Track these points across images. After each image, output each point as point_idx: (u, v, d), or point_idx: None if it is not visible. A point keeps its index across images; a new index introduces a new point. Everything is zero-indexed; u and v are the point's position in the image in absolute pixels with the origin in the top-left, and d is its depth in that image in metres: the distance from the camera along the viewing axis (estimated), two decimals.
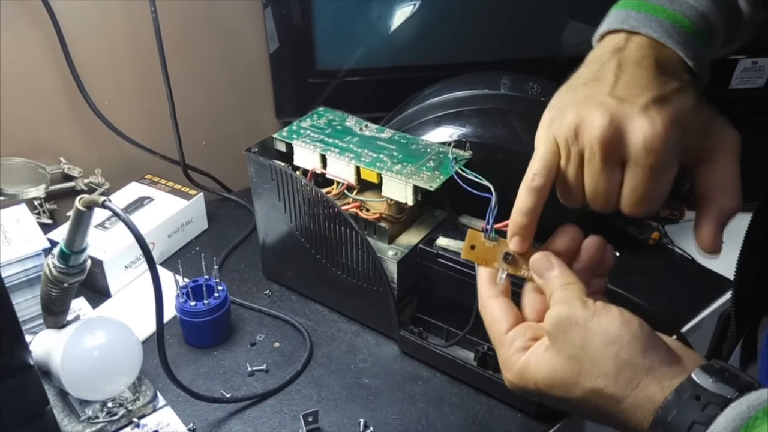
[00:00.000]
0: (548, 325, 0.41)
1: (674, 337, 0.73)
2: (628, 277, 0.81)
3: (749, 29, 0.50)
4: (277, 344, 0.73)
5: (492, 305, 0.46)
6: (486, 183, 0.54)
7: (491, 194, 0.50)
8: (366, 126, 0.76)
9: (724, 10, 0.46)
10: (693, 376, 0.37)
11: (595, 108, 0.41)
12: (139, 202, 0.87)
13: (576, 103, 0.42)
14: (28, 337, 0.63)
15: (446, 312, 0.68)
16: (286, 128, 0.75)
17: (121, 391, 0.64)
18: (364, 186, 0.72)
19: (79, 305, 0.77)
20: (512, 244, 0.46)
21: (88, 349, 0.60)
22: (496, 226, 0.48)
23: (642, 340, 0.39)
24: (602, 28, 0.47)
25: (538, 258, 0.45)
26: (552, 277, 0.44)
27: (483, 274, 0.47)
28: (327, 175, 0.72)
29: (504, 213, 0.49)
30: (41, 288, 0.60)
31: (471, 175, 0.58)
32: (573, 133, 0.42)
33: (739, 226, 0.95)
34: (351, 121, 0.77)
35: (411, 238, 0.70)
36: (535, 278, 0.45)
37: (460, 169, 0.63)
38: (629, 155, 0.41)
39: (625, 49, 0.44)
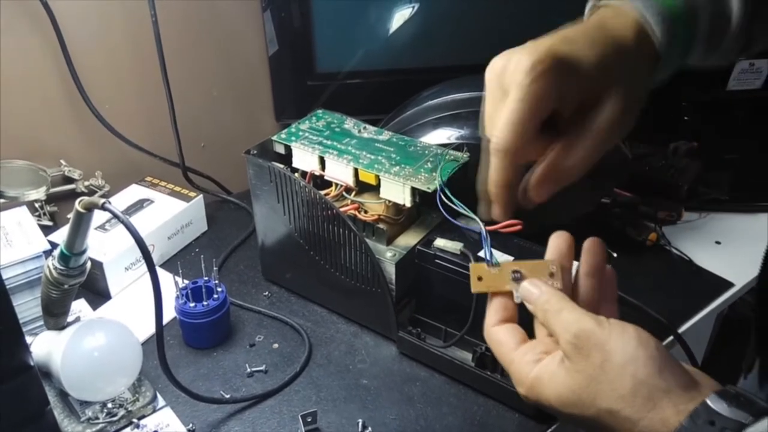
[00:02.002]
0: (567, 348, 0.40)
1: (671, 338, 0.74)
2: (626, 279, 0.81)
3: (737, 42, 0.49)
4: (276, 345, 0.74)
5: (496, 331, 0.45)
6: (473, 215, 0.54)
7: (479, 227, 0.50)
8: (364, 128, 0.77)
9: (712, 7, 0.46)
10: (708, 401, 0.37)
11: (509, 51, 0.43)
12: (139, 204, 0.88)
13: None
14: (28, 339, 0.63)
15: (444, 313, 0.69)
16: (285, 130, 0.76)
17: (121, 392, 0.64)
18: (362, 188, 0.72)
19: (79, 307, 0.77)
20: (494, 213, 0.45)
21: (88, 351, 0.61)
22: (497, 227, 0.48)
23: (658, 360, 0.38)
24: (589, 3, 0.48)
25: (524, 286, 0.45)
26: (537, 298, 0.44)
27: (491, 302, 0.47)
28: (325, 177, 0.73)
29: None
30: (42, 290, 0.60)
31: (460, 207, 0.58)
32: (487, 71, 0.44)
33: (732, 226, 0.96)
34: (349, 123, 0.77)
35: (409, 239, 0.71)
36: (527, 305, 0.45)
37: (446, 196, 0.62)
38: (507, 81, 0.42)
39: (591, 17, 0.45)
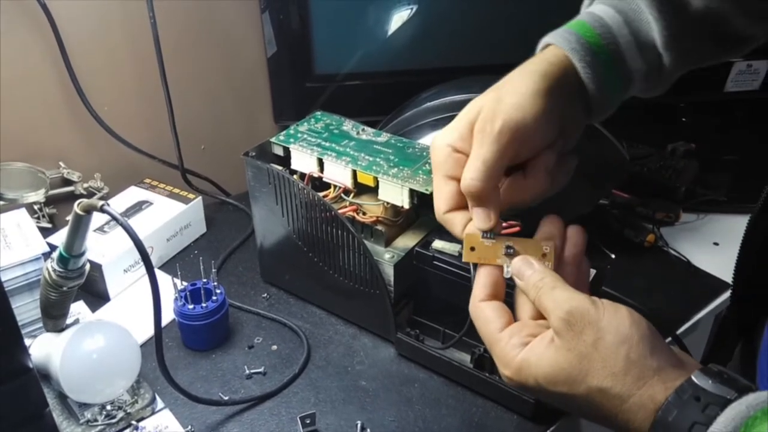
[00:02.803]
0: (559, 324, 0.41)
1: (669, 339, 0.74)
2: (624, 280, 0.82)
3: (677, 63, 0.51)
4: (274, 347, 0.74)
5: (482, 307, 0.46)
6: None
7: None
8: (363, 130, 0.77)
9: (632, 26, 0.50)
10: (693, 377, 0.38)
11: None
12: (138, 206, 0.88)
13: None
14: (27, 341, 0.63)
15: (442, 314, 0.69)
16: (284, 132, 0.76)
17: (119, 394, 0.64)
18: (360, 189, 0.72)
19: (78, 309, 0.78)
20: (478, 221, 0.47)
21: (87, 353, 0.61)
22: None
23: (650, 339, 0.39)
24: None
25: (516, 261, 0.46)
26: (530, 275, 0.45)
27: (478, 277, 0.47)
28: (324, 179, 0.73)
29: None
30: (41, 292, 0.60)
31: None
32: None
33: (730, 228, 0.96)
34: (348, 125, 0.78)
35: (407, 241, 0.71)
36: (516, 281, 0.46)
37: None
38: None
39: (534, 57, 0.50)
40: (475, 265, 0.48)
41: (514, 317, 0.46)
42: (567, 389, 0.41)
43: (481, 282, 0.47)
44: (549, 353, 0.41)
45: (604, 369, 0.39)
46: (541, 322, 0.44)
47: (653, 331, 0.40)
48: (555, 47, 0.49)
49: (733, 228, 0.93)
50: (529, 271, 0.45)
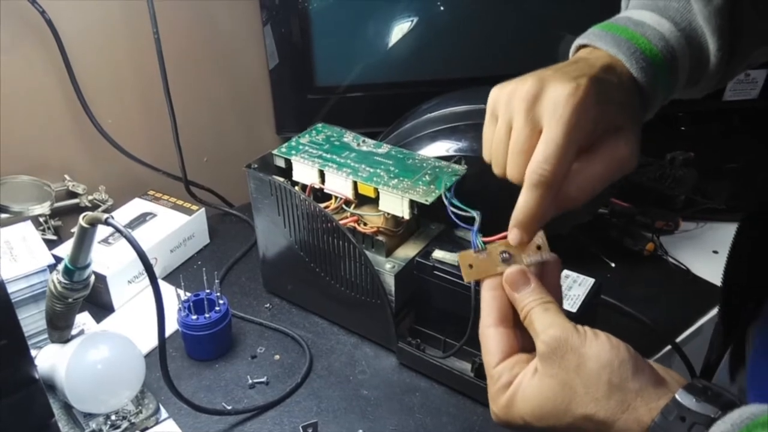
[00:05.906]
0: (543, 348, 0.41)
1: (669, 347, 0.75)
2: (624, 288, 0.82)
3: (714, 79, 0.51)
4: (277, 357, 0.74)
5: (488, 335, 0.45)
6: (472, 213, 0.57)
7: (473, 224, 0.51)
8: (363, 141, 0.78)
9: (692, 45, 0.49)
10: (677, 396, 0.38)
11: (532, 77, 0.44)
12: (142, 218, 0.89)
13: (519, 79, 0.45)
14: (33, 352, 0.64)
15: (443, 323, 0.69)
16: (286, 144, 0.77)
17: (124, 404, 0.65)
18: (361, 200, 0.73)
19: (83, 320, 0.78)
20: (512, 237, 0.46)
21: (91, 363, 0.62)
22: (493, 238, 0.49)
23: (630, 363, 0.39)
24: (574, 43, 0.50)
25: (513, 272, 0.45)
26: (527, 292, 0.44)
27: (484, 299, 0.46)
28: (325, 190, 0.74)
29: (501, 226, 0.50)
30: (46, 303, 0.61)
31: (458, 206, 0.61)
32: (508, 97, 0.45)
33: (729, 236, 0.97)
34: (349, 137, 0.78)
35: (408, 251, 0.72)
36: (508, 291, 0.45)
37: (450, 203, 0.63)
38: (544, 110, 0.43)
39: (585, 57, 0.47)
40: (477, 282, 0.48)
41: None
42: (554, 421, 0.41)
43: (488, 305, 0.46)
44: (534, 384, 0.41)
45: (587, 395, 0.39)
46: (532, 354, 0.44)
47: (633, 353, 0.40)
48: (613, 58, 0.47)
49: (732, 236, 0.93)
50: (524, 288, 0.44)
